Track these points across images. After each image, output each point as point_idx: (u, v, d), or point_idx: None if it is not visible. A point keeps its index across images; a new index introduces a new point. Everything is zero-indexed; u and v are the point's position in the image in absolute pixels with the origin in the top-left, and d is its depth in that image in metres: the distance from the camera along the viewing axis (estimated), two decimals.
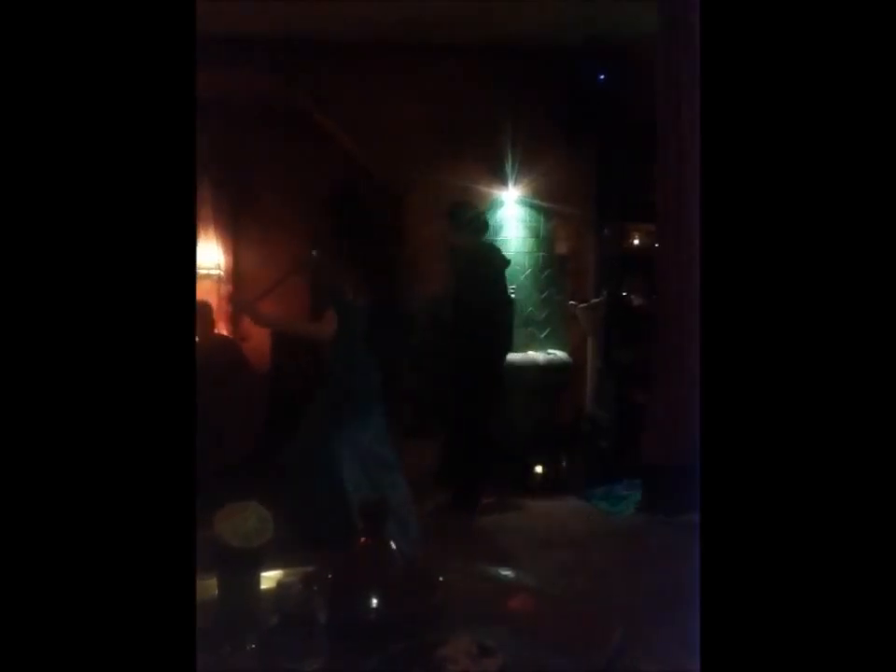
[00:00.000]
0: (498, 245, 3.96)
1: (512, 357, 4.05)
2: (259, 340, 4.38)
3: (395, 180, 4.16)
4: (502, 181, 4.16)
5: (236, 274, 4.72)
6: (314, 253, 2.96)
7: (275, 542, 1.05)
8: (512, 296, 4.16)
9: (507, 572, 1.50)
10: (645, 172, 3.26)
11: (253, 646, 1.03)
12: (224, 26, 3.79)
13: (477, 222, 3.66)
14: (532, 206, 4.23)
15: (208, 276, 4.83)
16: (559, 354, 4.19)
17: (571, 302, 4.20)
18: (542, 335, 4.27)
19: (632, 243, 4.09)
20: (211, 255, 4.94)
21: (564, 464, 3.97)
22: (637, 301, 4.02)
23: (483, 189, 4.18)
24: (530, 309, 4.26)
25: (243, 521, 1.02)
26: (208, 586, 1.04)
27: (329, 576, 1.09)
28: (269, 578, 1.09)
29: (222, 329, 4.59)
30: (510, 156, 4.06)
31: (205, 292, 4.36)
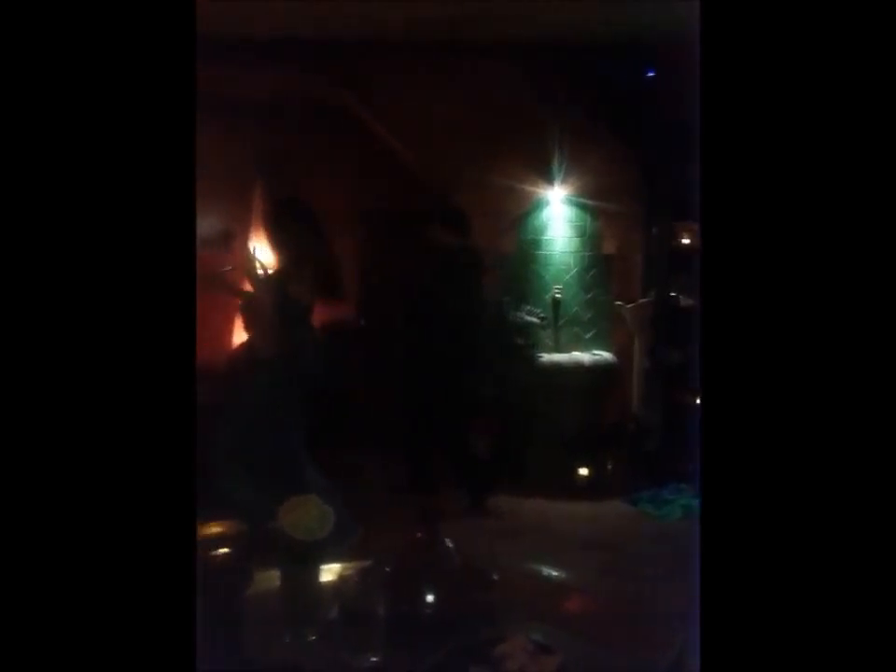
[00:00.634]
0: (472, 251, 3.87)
1: (558, 357, 4.03)
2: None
3: (438, 181, 4.17)
4: (547, 180, 4.14)
5: None
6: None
7: None
8: (558, 296, 4.14)
9: (556, 573, 1.49)
10: (693, 170, 3.20)
11: (314, 637, 1.05)
12: (270, 29, 3.86)
13: (465, 226, 3.68)
14: (578, 205, 4.19)
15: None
16: (605, 354, 4.14)
17: (618, 303, 4.15)
18: (588, 336, 4.23)
19: (680, 242, 4.02)
20: (261, 256, 5.05)
21: (609, 466, 3.93)
22: (684, 301, 3.96)
23: (528, 188, 4.17)
24: (575, 309, 4.22)
25: (305, 514, 1.04)
26: (271, 577, 1.07)
27: (387, 570, 1.10)
28: (329, 571, 1.11)
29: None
30: (555, 154, 4.03)
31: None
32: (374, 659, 0.98)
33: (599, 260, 4.20)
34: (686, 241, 4.01)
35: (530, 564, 1.54)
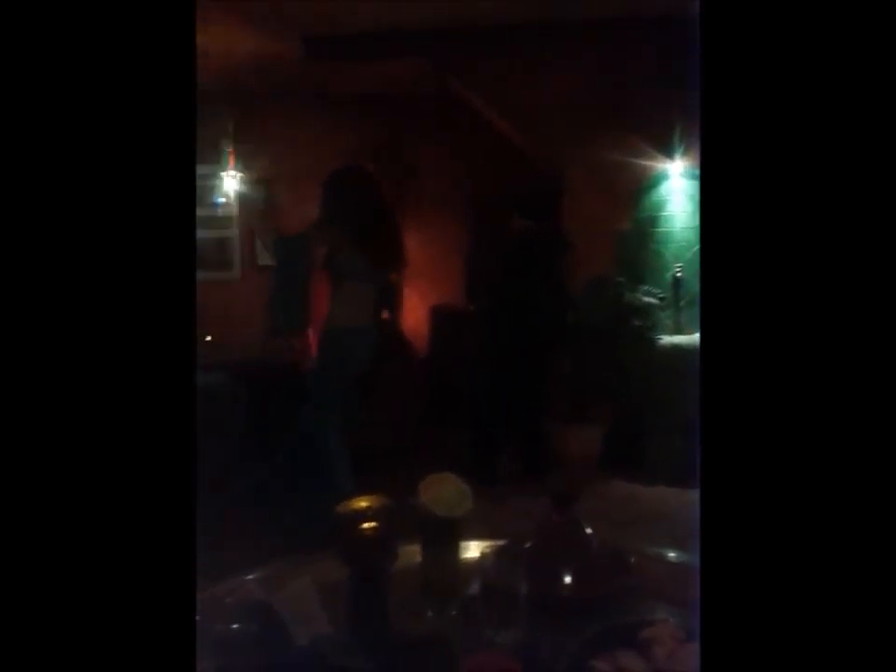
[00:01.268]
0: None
1: (679, 339, 3.88)
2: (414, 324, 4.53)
3: (552, 159, 4.10)
4: (667, 153, 3.97)
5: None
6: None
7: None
8: (679, 275, 3.97)
9: (689, 559, 1.44)
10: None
11: (454, 612, 1.07)
12: (377, 19, 3.93)
13: (541, 211, 3.54)
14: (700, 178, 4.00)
15: None
16: None
17: None
18: None
19: None
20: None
21: None
22: None
23: (645, 162, 4.02)
24: (697, 288, 4.04)
25: (445, 491, 1.06)
26: (412, 553, 1.10)
27: (526, 546, 1.10)
28: (469, 548, 1.13)
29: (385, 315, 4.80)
30: (676, 125, 3.86)
31: None
32: (516, 637, 0.98)
33: None
34: None
35: (661, 549, 1.50)
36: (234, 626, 0.87)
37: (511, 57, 4.10)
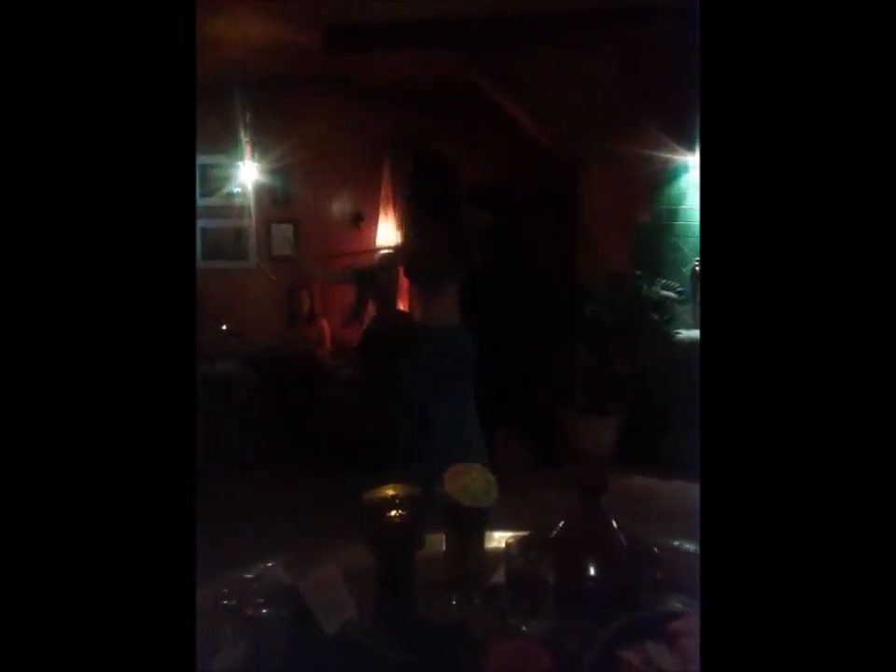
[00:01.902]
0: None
1: (697, 333, 3.85)
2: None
3: (571, 151, 4.08)
4: (687, 146, 3.93)
5: None
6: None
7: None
8: (698, 269, 3.94)
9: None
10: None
11: (477, 601, 1.07)
12: (398, 9, 3.91)
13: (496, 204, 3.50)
14: None
15: (388, 254, 5.09)
16: None
17: None
18: None
19: None
20: (390, 234, 5.19)
21: None
22: None
23: (665, 155, 3.98)
24: None
25: (471, 481, 1.05)
26: (437, 542, 1.10)
27: (552, 536, 1.10)
28: (494, 538, 1.12)
29: (402, 307, 4.80)
30: (696, 117, 3.82)
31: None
32: (543, 627, 0.98)
33: None
34: None
35: (681, 542, 1.49)
36: (263, 612, 0.87)
37: (532, 48, 4.08)
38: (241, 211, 5.48)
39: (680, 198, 4.01)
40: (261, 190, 5.39)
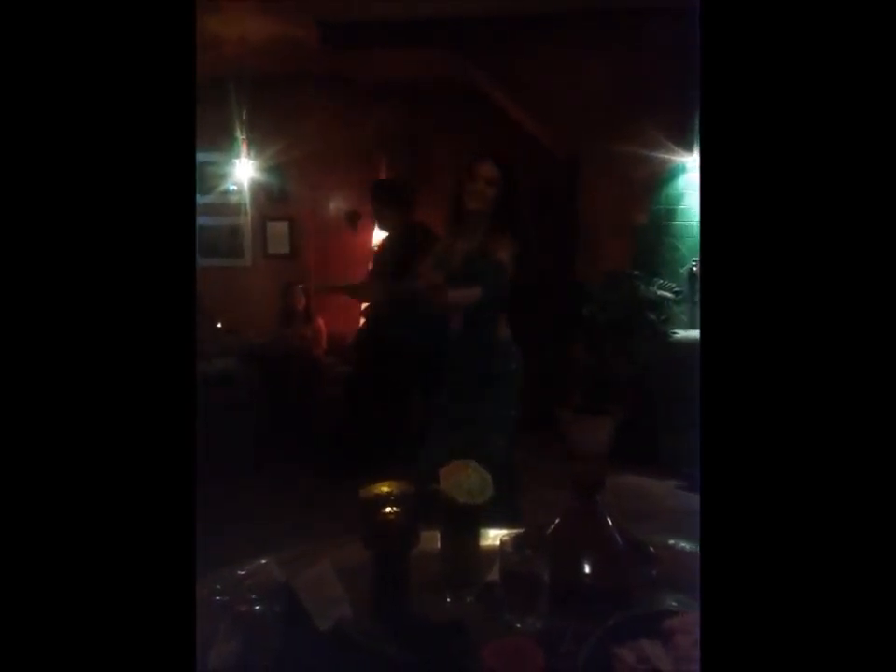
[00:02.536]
0: None
1: (694, 333, 3.85)
2: None
3: (570, 151, 4.08)
4: (685, 146, 3.93)
5: None
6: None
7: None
8: (695, 269, 3.94)
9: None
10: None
11: (471, 599, 1.06)
12: (400, 10, 3.90)
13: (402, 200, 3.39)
14: None
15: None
16: None
17: None
18: None
19: None
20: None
21: None
22: None
23: (663, 155, 3.99)
24: None
25: (466, 478, 1.05)
26: (432, 538, 1.09)
27: (547, 534, 1.09)
28: (489, 535, 1.12)
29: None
30: (694, 118, 3.82)
31: None
32: (538, 625, 0.98)
33: None
34: None
35: (681, 542, 1.49)
36: (256, 608, 0.87)
37: (530, 48, 4.08)
38: (237, 209, 5.47)
39: (678, 198, 4.02)
40: (257, 188, 5.38)
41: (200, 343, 3.97)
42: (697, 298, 3.95)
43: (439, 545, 1.10)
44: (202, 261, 5.21)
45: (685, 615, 0.94)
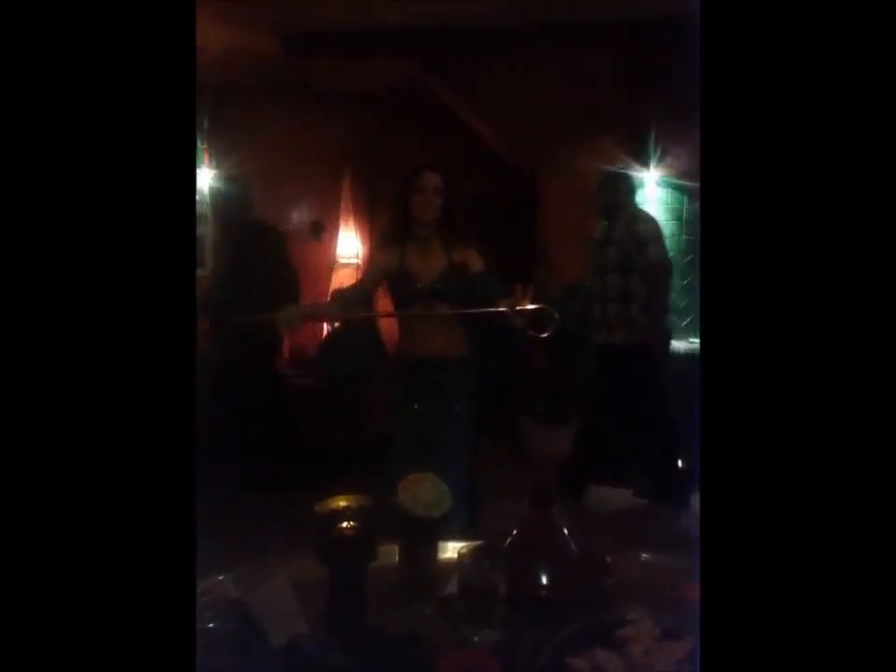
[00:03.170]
0: None
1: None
2: None
3: (529, 164, 4.14)
4: (642, 161, 4.02)
5: None
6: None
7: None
8: None
9: (668, 561, 1.46)
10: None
11: (429, 611, 1.07)
12: (361, 18, 3.92)
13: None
14: (674, 187, 4.06)
15: (348, 265, 5.08)
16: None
17: None
18: (684, 324, 4.10)
19: None
20: (351, 245, 5.17)
21: None
22: None
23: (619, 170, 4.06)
24: (671, 296, 4.09)
25: (424, 491, 1.06)
26: (390, 552, 1.09)
27: (503, 548, 1.10)
28: (446, 548, 1.12)
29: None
30: (651, 134, 3.92)
31: (346, 279, 4.56)
32: (494, 637, 0.98)
33: (697, 245, 4.06)
34: None
35: (634, 550, 1.51)
36: (210, 625, 0.85)
37: (489, 60, 4.13)
38: (198, 218, 5.39)
39: None
40: (219, 197, 5.31)
41: None
42: None
43: (397, 558, 1.10)
44: None
45: (637, 623, 0.96)
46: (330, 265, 5.14)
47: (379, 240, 2.70)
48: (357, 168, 5.08)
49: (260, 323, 2.39)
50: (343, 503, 0.99)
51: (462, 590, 1.02)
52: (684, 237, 4.07)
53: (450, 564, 1.08)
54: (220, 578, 1.10)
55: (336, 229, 5.28)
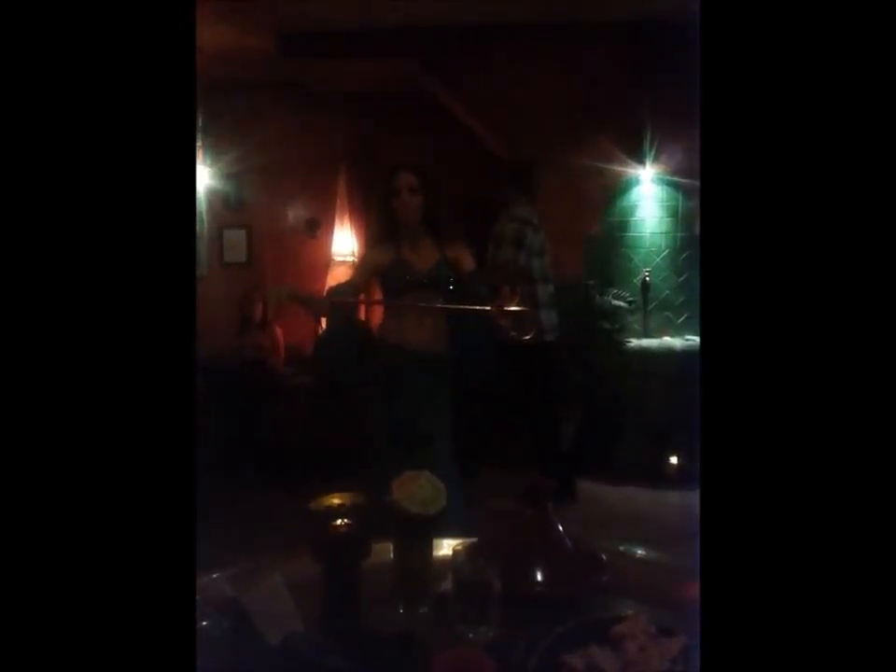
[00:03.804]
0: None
1: (647, 342, 3.93)
2: None
3: (524, 162, 4.13)
4: (638, 159, 4.02)
5: None
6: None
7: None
8: (647, 279, 4.03)
9: (663, 558, 1.46)
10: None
11: (424, 609, 1.07)
12: (358, 18, 3.91)
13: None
14: (670, 184, 4.06)
15: (343, 263, 5.07)
16: (697, 340, 4.02)
17: None
18: (679, 320, 4.11)
19: None
20: (346, 243, 5.16)
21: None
22: None
23: (617, 168, 4.07)
24: (666, 293, 4.10)
25: (419, 488, 1.05)
26: (384, 550, 1.09)
27: (498, 546, 1.10)
28: (442, 545, 1.12)
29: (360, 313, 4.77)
30: (647, 132, 3.92)
31: (341, 276, 4.56)
32: (490, 634, 0.98)
33: (693, 242, 4.07)
34: None
35: (632, 549, 1.51)
36: (205, 624, 0.85)
37: (485, 59, 4.12)
38: None
39: (631, 210, 4.11)
40: (213, 196, 5.30)
41: None
42: (650, 307, 4.04)
43: (391, 556, 1.10)
44: None
45: (632, 620, 0.96)
46: (326, 263, 5.13)
47: (371, 239, 2.68)
48: (353, 167, 5.07)
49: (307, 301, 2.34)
50: (336, 500, 0.99)
51: (457, 588, 1.02)
52: (679, 234, 4.08)
53: (444, 561, 1.08)
54: (215, 576, 1.10)
55: (332, 226, 5.27)
